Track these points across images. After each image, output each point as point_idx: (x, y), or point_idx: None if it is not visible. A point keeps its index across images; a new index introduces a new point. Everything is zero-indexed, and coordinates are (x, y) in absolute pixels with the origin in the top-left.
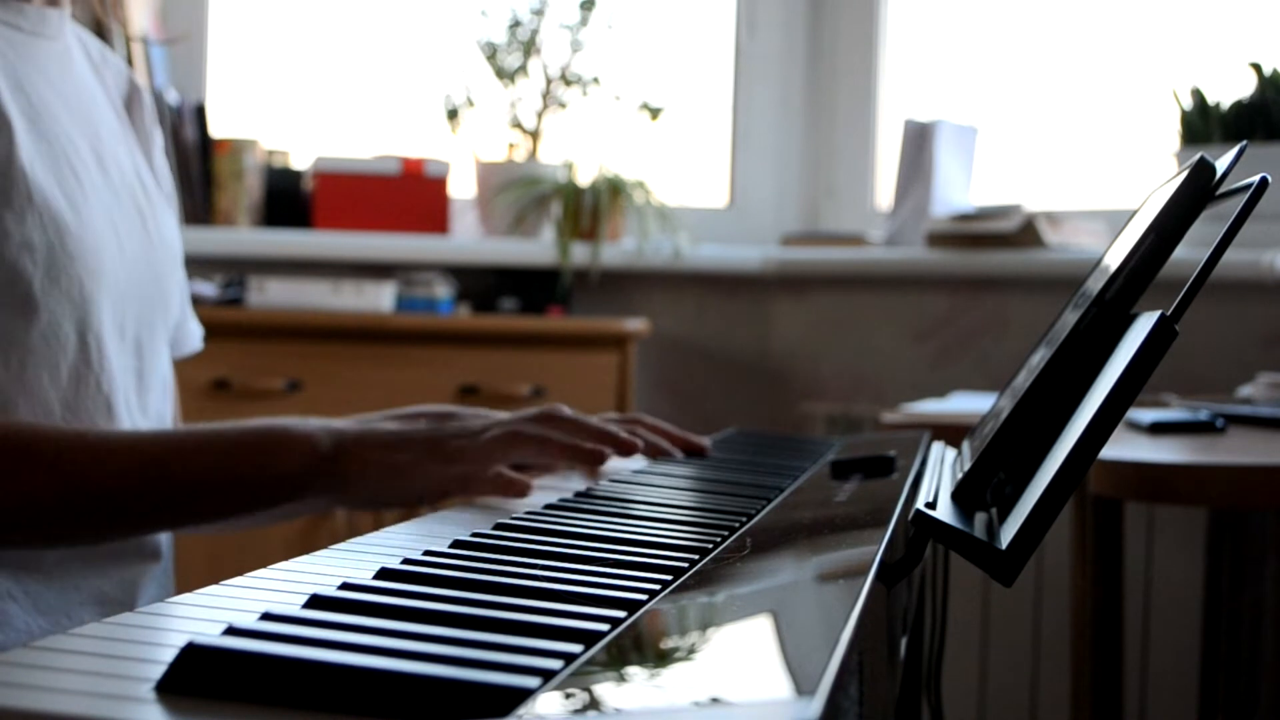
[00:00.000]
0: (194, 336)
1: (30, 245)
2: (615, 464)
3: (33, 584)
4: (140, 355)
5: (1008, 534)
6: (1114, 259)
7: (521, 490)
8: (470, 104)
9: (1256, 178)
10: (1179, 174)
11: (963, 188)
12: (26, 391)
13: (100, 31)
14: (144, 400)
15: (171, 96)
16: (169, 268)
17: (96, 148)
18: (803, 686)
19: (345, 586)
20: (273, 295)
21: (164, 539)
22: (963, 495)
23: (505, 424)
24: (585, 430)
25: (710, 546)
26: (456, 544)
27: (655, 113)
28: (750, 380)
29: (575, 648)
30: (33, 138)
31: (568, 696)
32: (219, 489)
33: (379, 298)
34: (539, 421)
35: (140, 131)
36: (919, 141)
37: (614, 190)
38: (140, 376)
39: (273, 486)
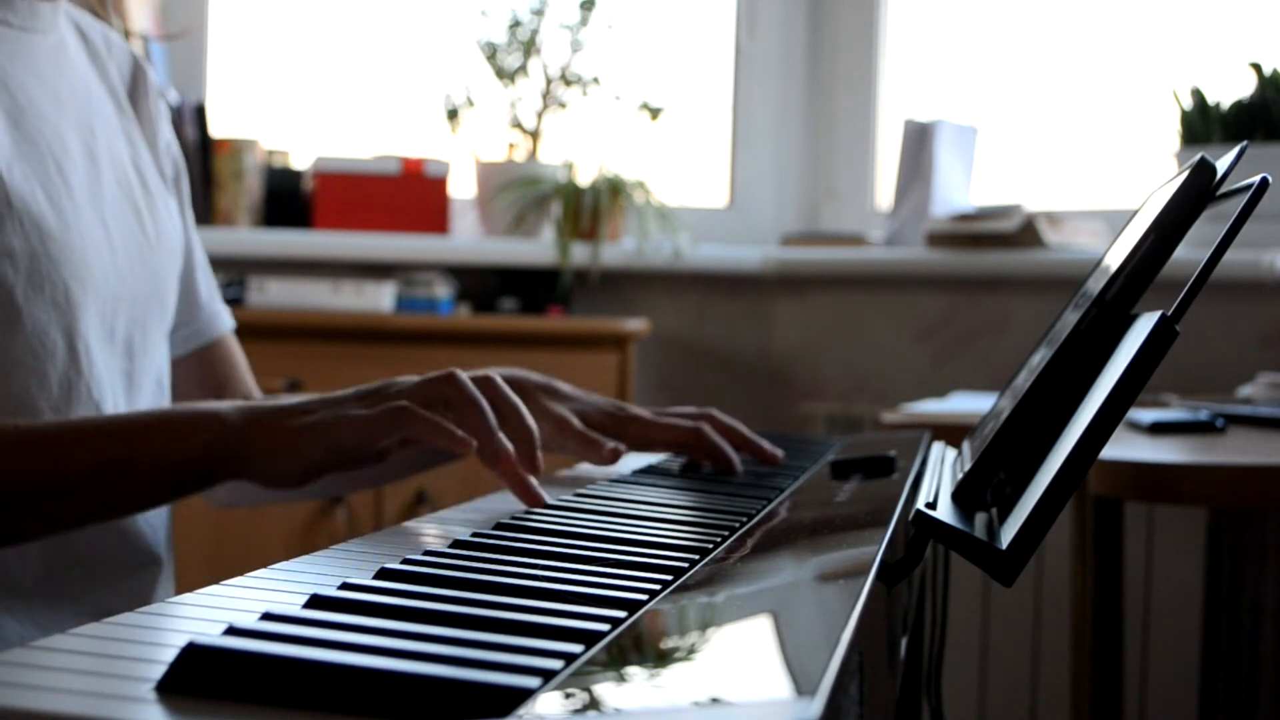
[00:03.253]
0: (221, 318)
1: (10, 252)
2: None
3: (26, 597)
4: (131, 357)
5: (1008, 534)
6: (1114, 259)
7: (461, 442)
8: (470, 104)
9: (1257, 178)
10: (1179, 174)
11: (963, 188)
12: (13, 402)
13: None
14: (133, 402)
15: (171, 96)
16: (167, 266)
17: (90, 145)
18: (803, 686)
19: (345, 586)
20: (273, 295)
21: (163, 544)
22: (963, 495)
23: (411, 390)
24: (513, 421)
25: (710, 546)
26: (456, 544)
27: (655, 113)
28: (750, 380)
29: (575, 648)
30: (14, 139)
31: (568, 696)
32: (121, 474)
33: (379, 298)
34: (459, 392)
35: (144, 114)
36: (919, 141)
37: (614, 190)
38: (130, 378)
39: (182, 467)
